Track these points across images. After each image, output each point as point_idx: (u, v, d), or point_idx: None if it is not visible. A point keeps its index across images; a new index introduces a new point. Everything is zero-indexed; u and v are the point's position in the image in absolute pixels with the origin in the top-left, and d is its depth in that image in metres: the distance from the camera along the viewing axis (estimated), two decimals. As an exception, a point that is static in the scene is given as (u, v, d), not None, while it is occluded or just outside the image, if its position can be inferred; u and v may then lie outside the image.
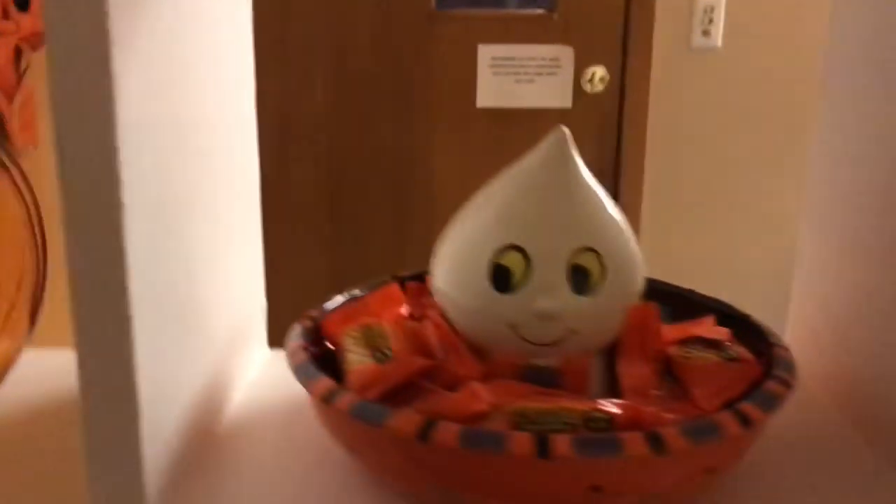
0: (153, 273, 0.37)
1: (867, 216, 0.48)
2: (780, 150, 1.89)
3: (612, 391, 0.44)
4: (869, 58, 0.49)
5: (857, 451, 0.46)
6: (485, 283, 0.42)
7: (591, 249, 0.42)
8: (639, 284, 0.44)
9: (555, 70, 1.99)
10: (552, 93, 2.00)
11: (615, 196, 1.88)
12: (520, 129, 2.02)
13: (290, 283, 1.73)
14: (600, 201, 0.44)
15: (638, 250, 0.45)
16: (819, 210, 0.55)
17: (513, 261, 0.42)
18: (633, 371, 0.44)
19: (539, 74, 1.99)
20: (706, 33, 1.94)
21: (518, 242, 0.42)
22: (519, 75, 1.99)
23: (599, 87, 2.00)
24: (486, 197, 0.44)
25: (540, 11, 1.99)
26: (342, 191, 1.85)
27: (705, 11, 1.93)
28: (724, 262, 1.93)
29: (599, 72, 1.99)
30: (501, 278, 0.42)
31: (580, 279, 0.42)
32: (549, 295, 0.41)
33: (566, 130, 0.43)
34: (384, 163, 1.85)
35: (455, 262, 0.44)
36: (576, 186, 0.43)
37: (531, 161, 0.44)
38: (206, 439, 0.46)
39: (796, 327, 0.58)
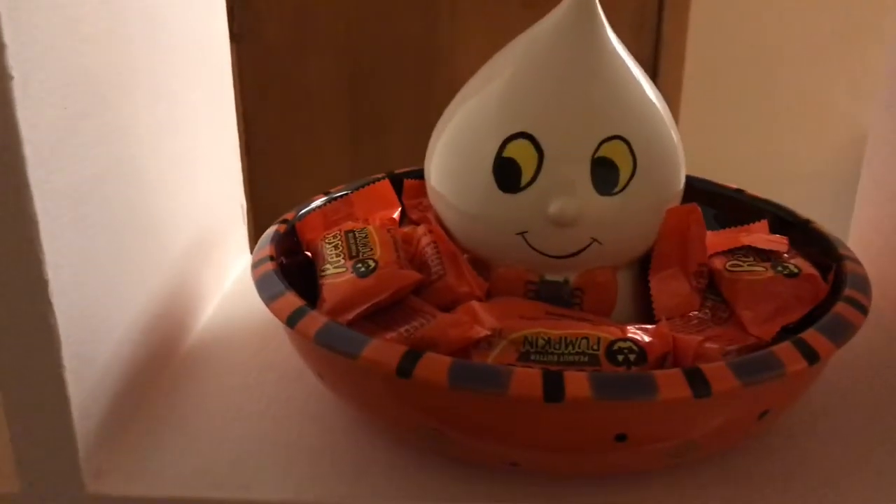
0: (67, 167, 0.30)
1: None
2: (837, 35, 1.75)
3: (643, 313, 0.36)
4: None
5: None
6: (487, 182, 0.34)
7: (620, 138, 0.33)
8: (679, 183, 0.36)
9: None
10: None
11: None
12: (552, 9, 1.88)
13: (308, 181, 1.65)
14: (634, 79, 0.35)
15: (679, 141, 0.36)
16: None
17: (522, 153, 0.33)
18: (669, 288, 0.36)
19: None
20: None
21: (529, 130, 0.33)
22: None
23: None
24: (491, 74, 0.36)
25: None
26: (362, 82, 1.75)
27: None
28: (771, 160, 1.82)
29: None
30: (508, 175, 0.34)
31: (606, 175, 0.33)
32: (566, 195, 0.33)
33: (593, -11, 0.34)
34: (406, 53, 1.74)
35: (452, 156, 0.36)
36: (603, 59, 0.34)
37: (547, 27, 0.35)
38: (165, 361, 0.40)
39: (859, 229, 0.50)
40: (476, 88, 0.36)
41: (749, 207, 0.43)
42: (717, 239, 0.39)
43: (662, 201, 0.35)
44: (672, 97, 1.80)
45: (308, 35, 1.67)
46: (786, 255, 0.37)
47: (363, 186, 0.43)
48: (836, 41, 1.72)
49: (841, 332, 0.31)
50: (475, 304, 0.34)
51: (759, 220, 0.41)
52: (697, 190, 0.43)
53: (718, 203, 0.43)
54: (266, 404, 0.37)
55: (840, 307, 0.32)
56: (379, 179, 0.43)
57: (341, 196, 0.42)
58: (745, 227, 0.41)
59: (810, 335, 0.30)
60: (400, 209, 0.42)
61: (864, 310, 0.32)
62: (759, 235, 0.39)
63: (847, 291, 0.33)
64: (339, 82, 1.73)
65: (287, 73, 1.65)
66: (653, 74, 1.77)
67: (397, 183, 0.44)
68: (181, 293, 0.41)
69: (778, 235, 0.39)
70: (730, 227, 0.42)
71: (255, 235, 0.52)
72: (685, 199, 0.38)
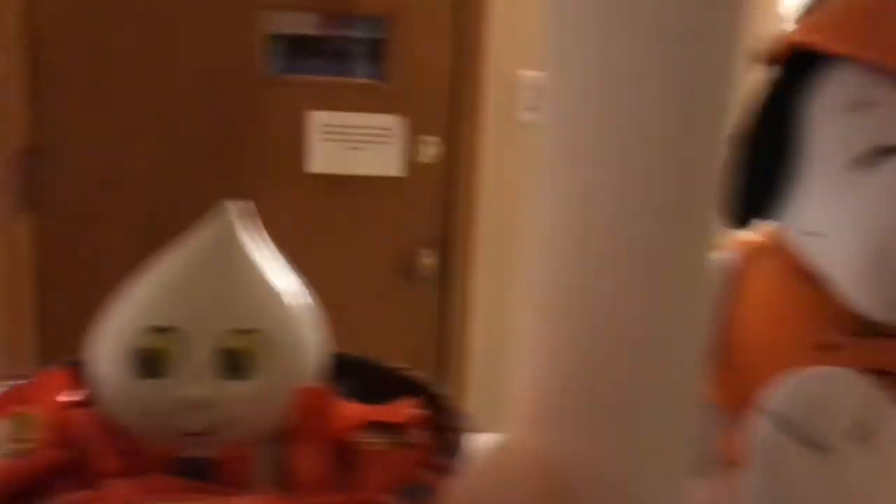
0: None
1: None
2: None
3: (284, 481, 0.41)
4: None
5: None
6: (129, 369, 0.39)
7: (249, 331, 0.39)
8: (310, 365, 0.42)
9: (387, 138, 1.99)
10: (384, 161, 1.99)
11: (447, 266, 1.87)
12: (352, 196, 2.00)
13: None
14: (269, 279, 0.41)
15: (314, 328, 0.42)
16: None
17: (159, 344, 0.38)
18: (305, 459, 0.41)
19: (371, 142, 1.98)
20: (532, 108, 1.99)
21: (165, 324, 0.39)
22: (351, 142, 1.98)
23: (431, 157, 2.01)
24: (142, 275, 0.41)
25: (372, 80, 2.00)
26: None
27: (531, 87, 1.98)
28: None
29: (431, 142, 2.01)
30: (147, 363, 0.38)
31: (234, 362, 0.39)
32: (196, 381, 0.38)
33: (234, 208, 0.41)
34: (205, 229, 1.78)
35: (102, 344, 0.40)
36: (236, 264, 0.41)
37: (191, 239, 0.41)
38: None
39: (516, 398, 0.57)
40: (129, 287, 0.41)
41: (395, 379, 0.48)
42: (358, 412, 0.45)
43: (293, 382, 0.41)
44: (465, 274, 1.93)
45: (106, 208, 1.69)
46: (410, 427, 0.43)
47: (44, 372, 0.46)
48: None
49: (422, 496, 0.37)
50: (116, 481, 0.38)
51: (403, 394, 0.47)
52: (350, 364, 0.48)
53: (369, 376, 0.49)
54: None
55: (429, 474, 0.38)
56: (55, 366, 0.46)
57: (22, 381, 0.45)
58: (391, 401, 0.47)
59: (397, 499, 0.36)
60: (76, 392, 0.46)
61: (447, 472, 0.39)
62: (391, 410, 0.45)
63: (438, 459, 0.39)
64: (138, 257, 1.74)
65: (85, 245, 1.65)
66: (447, 255, 1.88)
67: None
68: None
69: (409, 408, 0.45)
70: (380, 396, 0.47)
71: None
72: (338, 373, 0.43)
